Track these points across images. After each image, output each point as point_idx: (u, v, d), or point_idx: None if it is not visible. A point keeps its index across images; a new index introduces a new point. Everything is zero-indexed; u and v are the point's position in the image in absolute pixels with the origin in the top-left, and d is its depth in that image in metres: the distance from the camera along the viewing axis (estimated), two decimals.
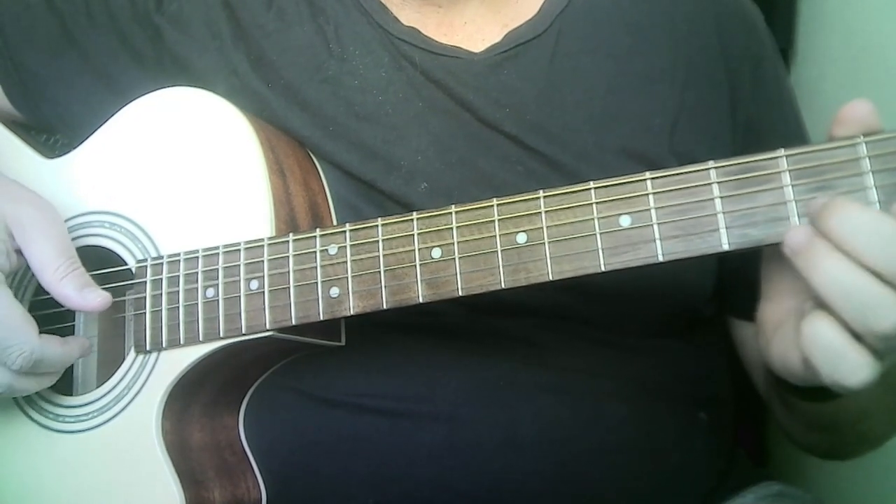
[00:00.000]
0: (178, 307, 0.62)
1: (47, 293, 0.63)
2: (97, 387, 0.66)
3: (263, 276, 0.60)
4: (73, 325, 0.72)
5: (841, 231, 0.44)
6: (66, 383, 0.70)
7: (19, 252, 0.62)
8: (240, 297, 0.60)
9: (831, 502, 0.97)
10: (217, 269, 0.61)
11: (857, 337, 0.44)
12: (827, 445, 0.72)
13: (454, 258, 0.55)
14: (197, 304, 0.62)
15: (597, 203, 0.52)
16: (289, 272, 0.59)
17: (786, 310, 0.52)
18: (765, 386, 0.71)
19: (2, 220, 0.62)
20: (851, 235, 0.44)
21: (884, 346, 0.44)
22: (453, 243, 0.55)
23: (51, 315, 0.66)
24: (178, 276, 0.63)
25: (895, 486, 0.91)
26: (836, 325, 0.44)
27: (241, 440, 0.68)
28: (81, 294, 0.61)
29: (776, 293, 0.54)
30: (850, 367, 0.44)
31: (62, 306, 0.64)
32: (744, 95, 0.72)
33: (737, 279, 0.70)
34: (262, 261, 0.60)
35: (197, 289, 0.62)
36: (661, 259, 0.51)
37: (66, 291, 0.61)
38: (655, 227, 0.51)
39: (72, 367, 0.72)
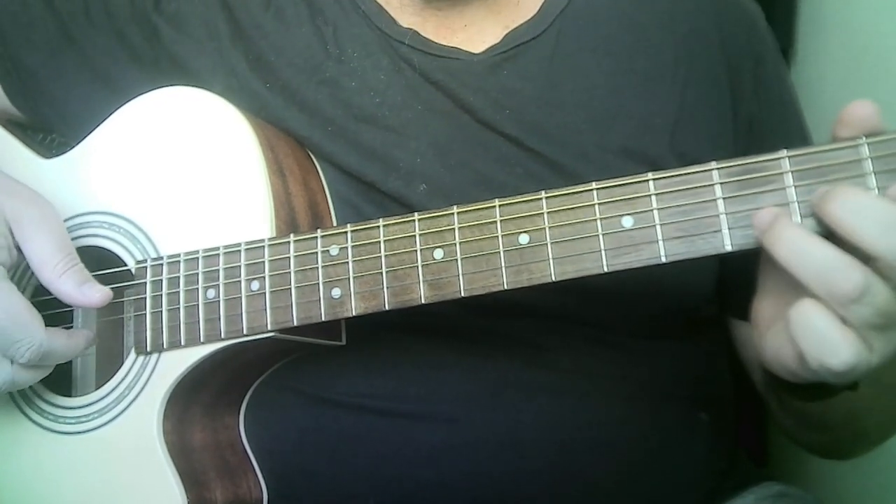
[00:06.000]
0: (179, 308, 0.62)
1: (47, 293, 0.63)
2: (95, 388, 0.66)
3: (265, 277, 0.60)
4: (72, 327, 0.71)
5: (839, 213, 0.45)
6: (63, 384, 0.70)
7: (18, 248, 0.62)
8: (241, 298, 0.60)
9: (831, 502, 0.97)
10: (218, 270, 0.61)
11: (843, 320, 0.45)
12: (824, 444, 0.72)
13: (456, 259, 0.55)
14: (197, 305, 0.62)
15: (599, 204, 0.52)
16: (290, 273, 0.59)
17: (780, 305, 0.53)
18: (762, 385, 0.72)
19: (2, 215, 0.61)
20: (850, 218, 0.45)
21: (857, 315, 0.44)
22: (455, 244, 0.55)
23: (50, 316, 0.66)
24: (179, 276, 0.63)
25: (895, 486, 0.91)
26: (821, 308, 0.45)
27: (241, 440, 0.68)
28: (81, 290, 0.61)
29: (772, 289, 0.54)
30: (832, 346, 0.45)
31: (61, 306, 0.63)
32: (745, 94, 0.72)
33: (736, 279, 0.70)
34: (263, 262, 0.60)
35: (197, 290, 0.62)
36: (663, 260, 0.51)
37: (65, 288, 0.61)
38: (658, 227, 0.51)
39: (70, 368, 0.72)
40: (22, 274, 0.69)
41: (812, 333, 0.45)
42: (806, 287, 0.46)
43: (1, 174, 0.66)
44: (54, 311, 0.65)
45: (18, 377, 0.61)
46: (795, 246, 0.46)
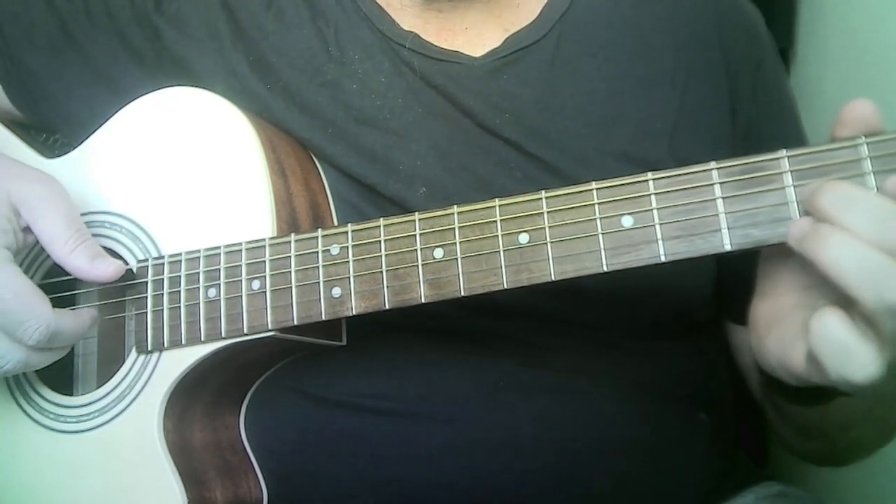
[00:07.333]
0: (180, 307, 0.62)
1: (54, 276, 0.62)
2: (97, 387, 0.66)
3: (265, 277, 0.60)
4: None
5: (835, 210, 0.44)
6: (64, 383, 0.71)
7: (26, 230, 0.62)
8: (241, 297, 0.60)
9: (831, 502, 0.97)
10: (219, 270, 0.61)
11: (865, 331, 0.44)
12: (821, 452, 0.72)
13: (456, 258, 0.55)
14: (198, 304, 0.62)
15: (599, 203, 0.52)
16: (291, 272, 0.59)
17: (781, 307, 0.52)
18: (758, 391, 0.72)
19: (7, 198, 0.61)
20: (846, 213, 0.44)
21: (890, 328, 0.43)
22: (455, 243, 0.55)
23: (54, 300, 0.66)
24: (180, 276, 0.63)
25: (895, 486, 0.91)
26: (846, 321, 0.44)
27: (242, 440, 0.68)
28: (93, 264, 0.61)
29: (772, 290, 0.54)
30: (859, 362, 0.44)
31: (65, 291, 0.63)
32: (744, 99, 0.72)
33: (734, 283, 0.70)
34: (264, 261, 0.60)
35: (198, 289, 0.62)
36: (663, 259, 0.51)
37: (77, 263, 0.61)
38: (658, 227, 0.51)
39: (71, 367, 0.72)
40: (33, 259, 0.69)
41: (837, 347, 0.44)
42: (850, 293, 0.44)
43: (6, 159, 0.66)
44: (58, 294, 0.65)
45: (31, 359, 0.61)
46: (846, 253, 0.43)
